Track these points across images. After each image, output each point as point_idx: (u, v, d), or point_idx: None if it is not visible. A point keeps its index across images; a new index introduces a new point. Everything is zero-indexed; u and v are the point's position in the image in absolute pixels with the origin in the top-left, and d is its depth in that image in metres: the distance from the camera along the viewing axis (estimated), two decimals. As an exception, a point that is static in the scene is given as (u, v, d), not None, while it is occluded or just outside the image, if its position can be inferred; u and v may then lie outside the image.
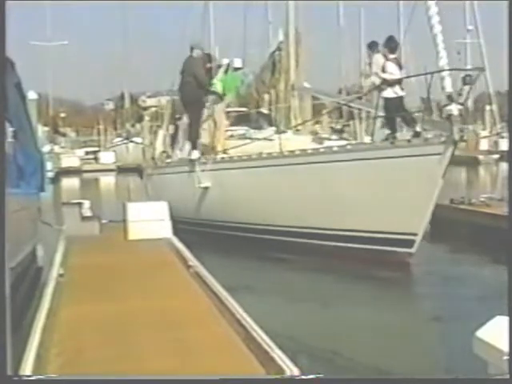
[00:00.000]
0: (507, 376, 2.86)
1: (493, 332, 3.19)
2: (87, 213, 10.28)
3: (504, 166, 27.36)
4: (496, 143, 35.15)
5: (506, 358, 2.95)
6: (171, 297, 5.95)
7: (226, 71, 13.82)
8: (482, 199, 11.87)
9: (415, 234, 9.11)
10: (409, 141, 9.28)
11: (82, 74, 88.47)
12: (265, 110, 14.93)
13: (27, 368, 3.88)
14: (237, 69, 15.13)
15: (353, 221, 9.65)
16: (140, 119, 36.45)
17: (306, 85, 18.70)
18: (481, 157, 32.93)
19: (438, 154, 8.54)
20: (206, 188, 11.94)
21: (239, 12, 19.86)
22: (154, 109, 28.23)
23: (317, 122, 17.47)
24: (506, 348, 2.99)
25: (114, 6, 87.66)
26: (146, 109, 31.57)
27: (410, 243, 9.16)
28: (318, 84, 15.88)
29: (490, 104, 38.09)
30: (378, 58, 10.58)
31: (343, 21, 35.78)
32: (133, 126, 42.12)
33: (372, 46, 11.22)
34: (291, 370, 3.73)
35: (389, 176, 9.00)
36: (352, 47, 34.68)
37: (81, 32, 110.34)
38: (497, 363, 3.05)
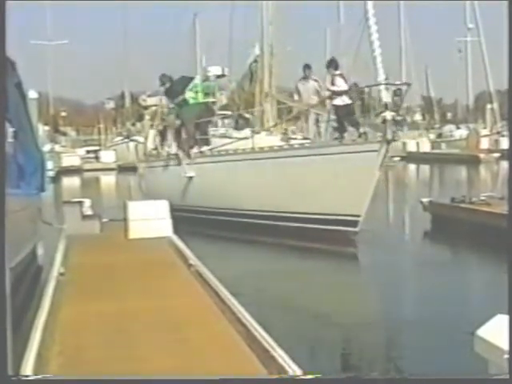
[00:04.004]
0: (507, 376, 2.85)
1: (493, 330, 3.18)
2: (88, 212, 10.28)
3: (505, 164, 27.28)
4: (497, 142, 35.15)
5: (506, 356, 2.94)
6: (172, 296, 5.96)
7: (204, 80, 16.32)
8: (483, 198, 11.84)
9: (358, 216, 10.75)
10: (353, 140, 11.31)
11: (83, 73, 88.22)
12: (245, 114, 16.86)
13: (28, 368, 3.87)
14: (220, 76, 16.98)
15: (308, 205, 11.26)
16: (140, 118, 36.41)
17: None
18: (482, 155, 32.88)
19: (375, 150, 10.26)
20: (191, 178, 13.65)
21: (228, 17, 20.48)
22: (154, 108, 28.26)
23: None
24: (506, 347, 2.98)
25: (114, 6, 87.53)
26: (146, 108, 31.59)
27: (354, 223, 10.78)
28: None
29: (491, 102, 38.16)
30: (328, 76, 12.52)
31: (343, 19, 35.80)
32: (133, 124, 42.03)
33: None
34: (292, 369, 3.73)
35: (337, 168, 10.66)
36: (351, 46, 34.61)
37: (81, 31, 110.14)
38: (497, 362, 3.04)
